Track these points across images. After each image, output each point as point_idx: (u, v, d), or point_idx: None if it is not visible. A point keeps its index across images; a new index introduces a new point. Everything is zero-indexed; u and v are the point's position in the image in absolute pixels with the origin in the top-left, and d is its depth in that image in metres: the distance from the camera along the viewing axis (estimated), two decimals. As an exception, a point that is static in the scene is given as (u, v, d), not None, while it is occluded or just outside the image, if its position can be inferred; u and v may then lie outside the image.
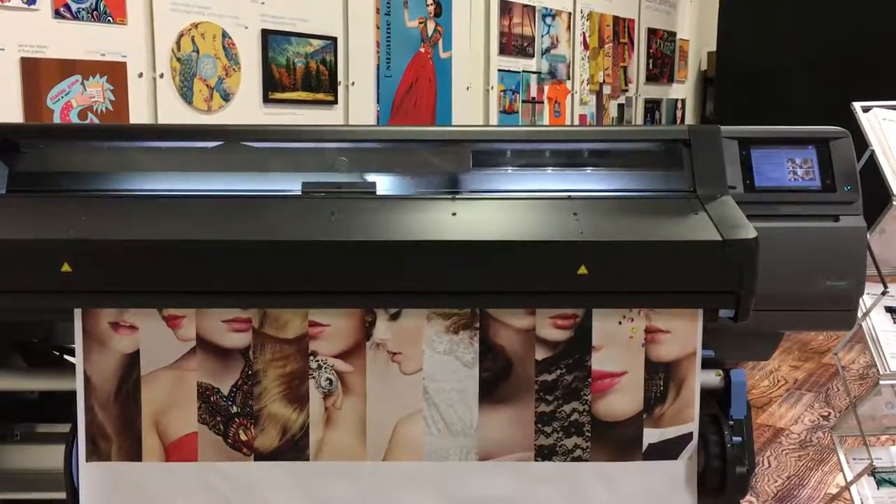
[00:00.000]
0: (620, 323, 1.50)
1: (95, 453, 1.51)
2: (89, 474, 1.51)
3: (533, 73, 4.92)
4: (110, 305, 1.48)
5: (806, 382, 3.52)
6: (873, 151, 2.04)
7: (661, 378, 1.52)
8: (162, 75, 2.96)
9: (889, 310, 2.12)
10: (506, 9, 4.64)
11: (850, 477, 2.16)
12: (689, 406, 1.52)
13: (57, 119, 2.64)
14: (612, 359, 1.51)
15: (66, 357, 1.88)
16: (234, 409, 1.51)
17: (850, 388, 2.61)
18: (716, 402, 1.62)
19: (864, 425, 2.15)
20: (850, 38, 5.33)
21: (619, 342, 1.50)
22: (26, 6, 2.56)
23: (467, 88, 4.41)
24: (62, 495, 1.55)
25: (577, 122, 5.33)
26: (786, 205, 1.65)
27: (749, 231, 1.46)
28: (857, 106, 2.12)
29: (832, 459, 2.71)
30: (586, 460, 1.53)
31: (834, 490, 2.55)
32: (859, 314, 1.85)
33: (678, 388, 1.52)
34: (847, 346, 3.09)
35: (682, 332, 1.51)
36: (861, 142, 1.95)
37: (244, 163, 1.72)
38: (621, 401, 1.52)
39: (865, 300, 2.05)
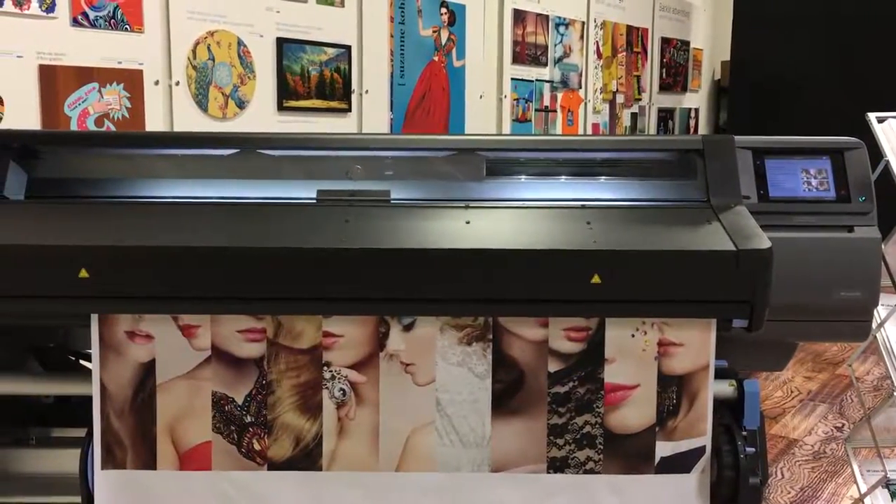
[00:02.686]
0: (633, 335, 1.50)
1: (110, 461, 1.52)
2: (104, 482, 1.52)
3: (546, 81, 4.92)
4: (127, 311, 1.49)
5: (820, 393, 3.50)
6: (888, 162, 2.03)
7: (674, 391, 1.51)
8: (178, 83, 2.98)
9: (903, 321, 2.10)
10: (519, 18, 4.65)
11: (863, 489, 2.15)
12: (702, 419, 1.52)
13: (74, 126, 2.67)
14: (625, 371, 1.51)
15: (81, 362, 1.90)
16: (248, 419, 1.51)
17: (865, 400, 2.59)
18: (729, 412, 1.62)
19: (879, 437, 2.14)
20: (864, 47, 5.31)
21: (631, 355, 1.50)
22: (45, 14, 2.58)
23: (480, 97, 4.42)
24: (77, 499, 1.56)
25: (589, 130, 5.32)
26: (800, 215, 1.65)
27: (763, 241, 1.46)
28: (872, 116, 2.12)
29: (846, 471, 2.70)
30: (598, 473, 1.52)
31: (848, 502, 2.53)
32: (874, 325, 1.84)
33: (691, 402, 1.52)
34: (861, 357, 3.07)
35: (695, 345, 1.50)
36: (876, 152, 1.95)
37: (260, 170, 1.73)
38: (634, 413, 1.51)
39: (880, 311, 2.04)
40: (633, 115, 5.86)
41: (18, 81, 2.54)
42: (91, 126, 2.72)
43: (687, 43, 6.48)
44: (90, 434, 1.52)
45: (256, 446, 1.52)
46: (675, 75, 6.36)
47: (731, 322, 1.49)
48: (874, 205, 1.67)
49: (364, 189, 1.68)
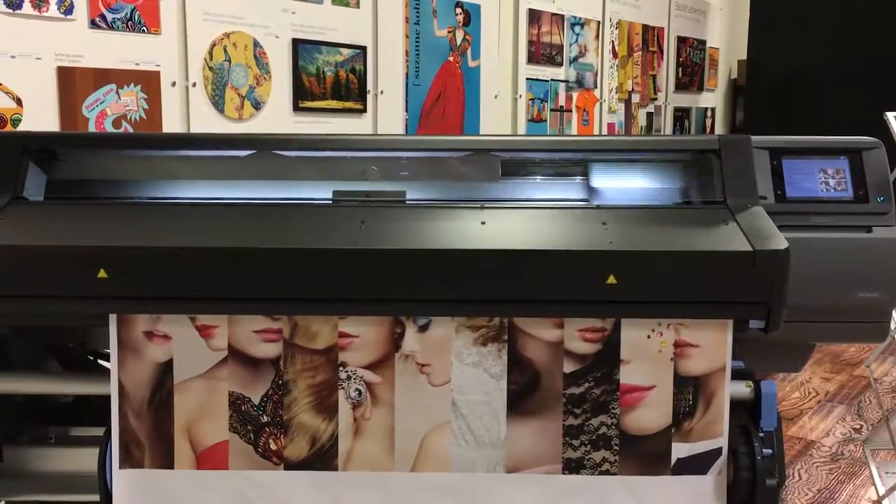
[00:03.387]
0: (649, 336, 1.50)
1: (128, 460, 1.53)
2: (122, 481, 1.53)
3: (561, 81, 4.91)
4: (145, 311, 1.50)
5: (837, 395, 3.48)
6: (907, 162, 2.02)
7: (690, 392, 1.51)
8: (194, 84, 2.99)
9: (923, 322, 2.08)
10: (534, 17, 4.65)
11: (882, 491, 2.14)
12: (719, 421, 1.51)
13: (92, 127, 2.68)
14: (641, 372, 1.50)
15: (100, 362, 1.91)
16: (265, 419, 1.52)
17: (883, 401, 2.57)
18: (746, 413, 1.61)
19: (897, 439, 2.12)
20: (882, 47, 5.27)
21: (647, 356, 1.50)
22: (63, 16, 2.60)
23: (495, 97, 4.42)
24: (95, 498, 1.57)
25: (605, 130, 5.31)
26: (818, 215, 1.64)
27: (780, 242, 1.46)
28: (891, 115, 2.10)
29: (864, 473, 2.68)
30: (614, 474, 1.52)
31: (866, 504, 2.52)
32: (892, 326, 1.83)
33: (707, 403, 1.51)
34: (880, 358, 3.05)
35: (712, 346, 1.50)
36: (894, 152, 1.93)
37: (276, 171, 1.74)
38: (650, 415, 1.51)
39: (899, 312, 2.02)
40: (649, 115, 5.84)
41: (37, 83, 2.56)
42: (109, 127, 2.74)
43: (703, 42, 6.45)
44: (108, 433, 1.53)
45: (273, 446, 1.53)
46: (692, 74, 6.33)
47: (747, 323, 1.49)
48: (893, 205, 1.65)
49: (379, 190, 1.68)
